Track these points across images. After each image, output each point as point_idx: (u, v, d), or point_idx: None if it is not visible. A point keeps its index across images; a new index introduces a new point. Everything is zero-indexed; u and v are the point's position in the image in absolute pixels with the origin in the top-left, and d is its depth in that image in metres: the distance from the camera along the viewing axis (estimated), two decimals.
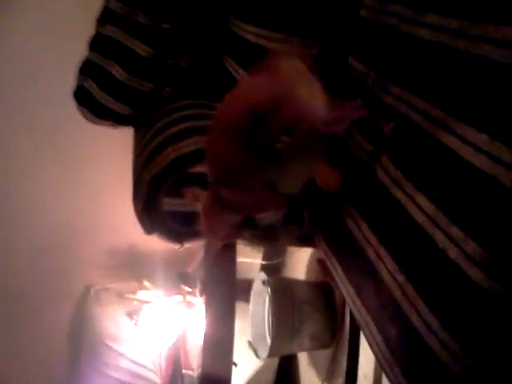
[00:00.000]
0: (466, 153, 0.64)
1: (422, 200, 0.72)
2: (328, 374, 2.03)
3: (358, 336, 1.78)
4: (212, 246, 1.05)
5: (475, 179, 0.62)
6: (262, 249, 2.55)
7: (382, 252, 0.81)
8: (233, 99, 0.86)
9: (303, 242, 1.21)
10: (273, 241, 1.54)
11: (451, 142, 0.68)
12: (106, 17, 1.71)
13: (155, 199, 1.43)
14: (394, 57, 0.90)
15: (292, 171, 0.92)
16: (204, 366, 1.59)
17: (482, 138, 0.61)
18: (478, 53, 0.66)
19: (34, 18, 2.21)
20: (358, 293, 0.88)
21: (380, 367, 0.82)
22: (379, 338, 0.81)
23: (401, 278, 0.75)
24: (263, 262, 2.47)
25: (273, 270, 2.46)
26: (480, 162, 0.61)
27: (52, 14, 2.19)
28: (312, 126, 0.86)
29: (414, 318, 0.70)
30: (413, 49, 0.83)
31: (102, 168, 2.46)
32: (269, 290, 1.95)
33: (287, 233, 1.56)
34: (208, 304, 1.60)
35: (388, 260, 0.79)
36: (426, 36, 0.79)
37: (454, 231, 0.64)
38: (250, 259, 2.44)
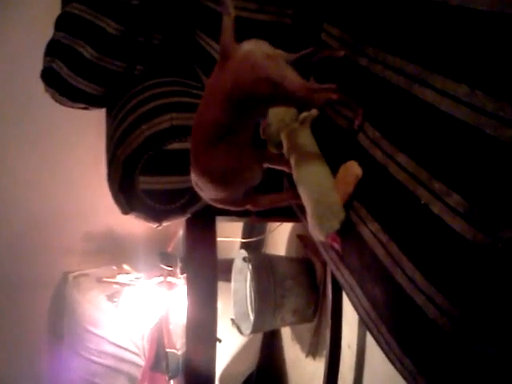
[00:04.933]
0: (445, 105, 0.63)
1: (402, 158, 0.72)
2: (312, 348, 2.05)
3: (341, 308, 1.80)
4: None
5: (456, 131, 0.61)
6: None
7: (363, 213, 0.80)
8: (209, 99, 0.89)
9: (286, 216, 1.21)
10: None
11: (428, 96, 0.67)
12: None
13: (131, 178, 1.41)
14: (368, 17, 0.89)
15: None
16: (188, 345, 1.59)
17: (461, 89, 0.61)
18: (457, 3, 0.65)
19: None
20: (341, 256, 0.88)
21: (366, 328, 0.82)
22: (364, 300, 0.81)
23: (384, 237, 0.74)
24: (243, 240, 2.48)
25: (253, 247, 2.47)
26: (461, 113, 0.61)
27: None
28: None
29: (399, 277, 0.70)
30: (386, 6, 0.83)
31: (78, 154, 2.43)
32: (250, 266, 1.95)
33: None
34: (190, 284, 1.60)
35: (369, 220, 0.78)
36: None
37: (437, 186, 0.63)
38: (230, 238, 2.44)
